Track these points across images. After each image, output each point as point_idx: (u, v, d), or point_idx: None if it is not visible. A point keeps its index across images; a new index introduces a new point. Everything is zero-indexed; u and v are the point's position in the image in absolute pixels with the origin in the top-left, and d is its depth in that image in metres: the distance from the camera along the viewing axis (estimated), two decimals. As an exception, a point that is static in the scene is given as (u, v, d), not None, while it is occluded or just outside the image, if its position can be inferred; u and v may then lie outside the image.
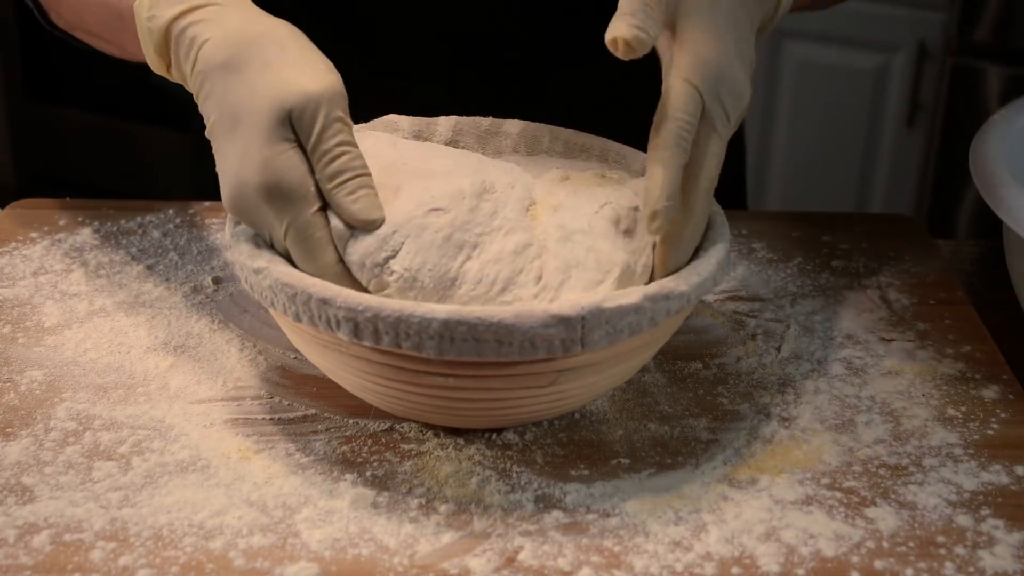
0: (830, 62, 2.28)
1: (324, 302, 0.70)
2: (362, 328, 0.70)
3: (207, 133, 0.77)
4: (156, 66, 0.80)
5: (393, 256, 0.74)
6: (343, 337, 0.71)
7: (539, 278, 0.74)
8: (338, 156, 0.73)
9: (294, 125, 0.73)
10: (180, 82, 0.80)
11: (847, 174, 2.34)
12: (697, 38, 0.74)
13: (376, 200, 0.74)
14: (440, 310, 0.69)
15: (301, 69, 0.74)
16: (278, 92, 0.73)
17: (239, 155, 0.73)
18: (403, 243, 0.74)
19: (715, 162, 0.75)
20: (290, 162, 0.73)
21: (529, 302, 0.74)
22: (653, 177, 0.73)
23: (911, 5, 2.21)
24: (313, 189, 0.73)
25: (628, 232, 0.77)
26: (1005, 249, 0.95)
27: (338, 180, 0.73)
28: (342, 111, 0.74)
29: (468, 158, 0.80)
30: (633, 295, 0.72)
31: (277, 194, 0.72)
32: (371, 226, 0.74)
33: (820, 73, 2.29)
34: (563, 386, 0.74)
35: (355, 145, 0.74)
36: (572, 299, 0.72)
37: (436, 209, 0.75)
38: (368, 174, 0.74)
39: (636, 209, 0.78)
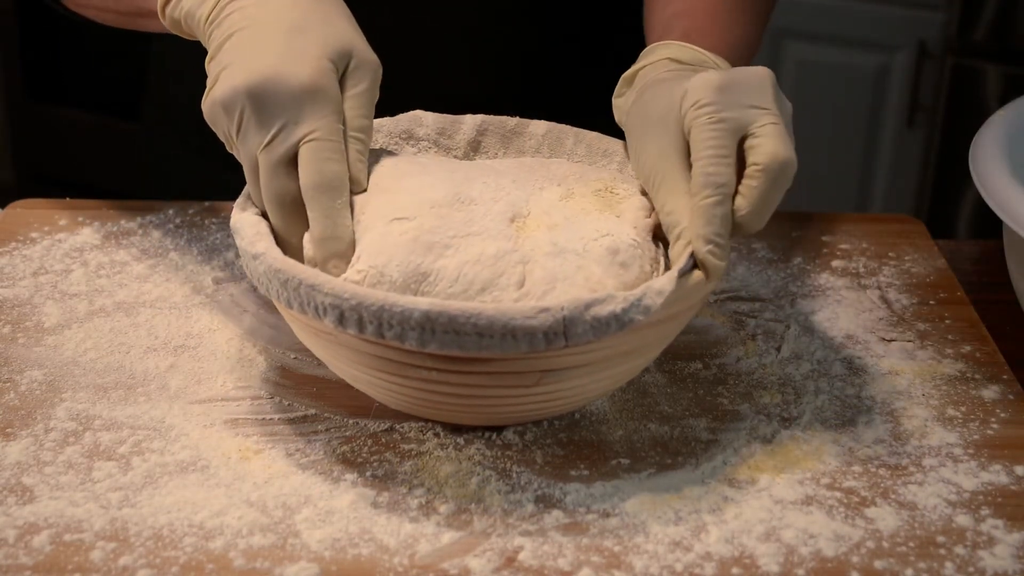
0: (830, 62, 2.28)
1: (312, 288, 0.71)
2: (347, 317, 0.70)
3: (230, 27, 0.78)
4: None
5: (356, 262, 0.75)
6: (329, 325, 0.71)
7: (521, 284, 0.74)
8: (367, 117, 0.78)
9: (346, 71, 0.78)
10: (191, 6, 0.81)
11: (847, 174, 2.34)
12: (696, 89, 0.76)
13: (366, 171, 0.79)
14: (422, 301, 0.69)
15: (362, 35, 0.80)
16: (350, 38, 0.78)
17: (292, 52, 0.76)
18: (363, 249, 0.75)
19: (782, 152, 0.75)
20: (335, 82, 0.77)
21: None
22: (692, 224, 0.74)
23: (911, 5, 2.21)
24: (343, 112, 0.78)
25: (625, 265, 0.76)
26: (1005, 249, 0.95)
27: (359, 136, 0.78)
28: (377, 88, 0.80)
29: (453, 175, 0.79)
30: (619, 292, 0.71)
31: (321, 95, 0.76)
32: (357, 187, 0.78)
33: (820, 73, 2.28)
34: (549, 387, 0.74)
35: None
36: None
37: (399, 219, 0.75)
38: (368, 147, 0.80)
39: (636, 244, 0.77)
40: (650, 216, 0.79)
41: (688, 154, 0.76)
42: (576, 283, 0.74)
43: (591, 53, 1.13)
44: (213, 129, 0.79)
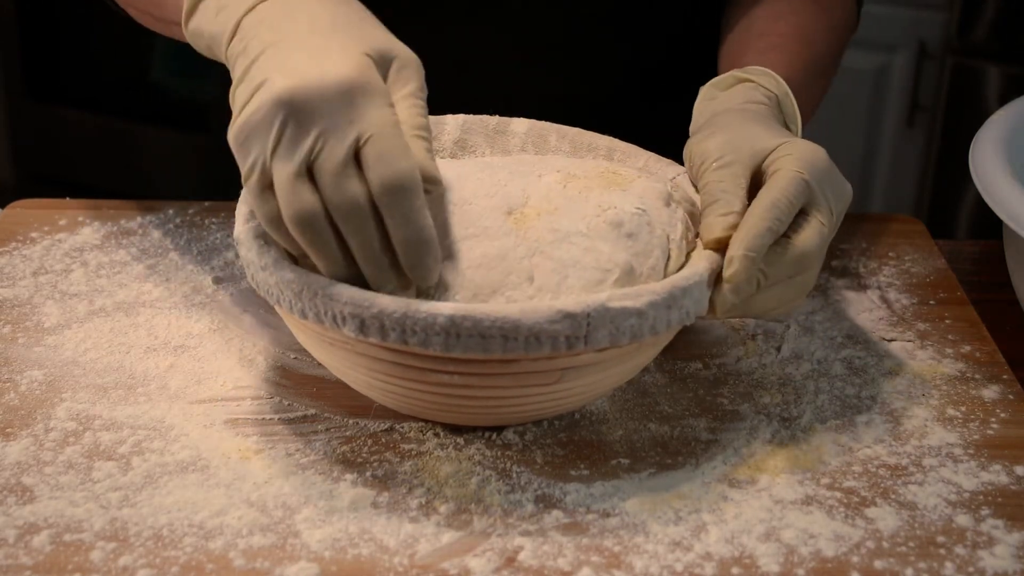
0: (830, 62, 2.28)
1: (329, 298, 0.70)
2: (368, 325, 0.70)
3: (260, 45, 0.73)
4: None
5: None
6: (349, 334, 0.71)
7: (531, 279, 0.74)
8: (425, 116, 0.73)
9: (390, 71, 0.73)
10: (215, 11, 0.77)
11: (847, 174, 2.32)
12: (798, 147, 0.79)
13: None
14: (445, 306, 0.69)
15: (397, 40, 0.76)
16: (387, 38, 0.75)
17: (331, 52, 0.71)
18: None
19: (812, 248, 0.77)
20: (380, 78, 0.72)
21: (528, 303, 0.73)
22: (740, 227, 0.76)
23: (911, 5, 2.21)
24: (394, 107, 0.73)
25: (631, 235, 0.76)
26: (1005, 249, 0.95)
27: (422, 133, 0.72)
28: (425, 88, 0.75)
29: (443, 176, 0.77)
30: (640, 298, 0.71)
31: (372, 90, 0.71)
32: (436, 186, 0.72)
33: (820, 73, 2.28)
34: (568, 384, 0.74)
35: None
36: (577, 297, 0.72)
37: None
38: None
39: (641, 212, 0.77)
40: (664, 185, 0.81)
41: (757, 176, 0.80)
42: (587, 266, 0.74)
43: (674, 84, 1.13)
44: (241, 160, 0.72)
